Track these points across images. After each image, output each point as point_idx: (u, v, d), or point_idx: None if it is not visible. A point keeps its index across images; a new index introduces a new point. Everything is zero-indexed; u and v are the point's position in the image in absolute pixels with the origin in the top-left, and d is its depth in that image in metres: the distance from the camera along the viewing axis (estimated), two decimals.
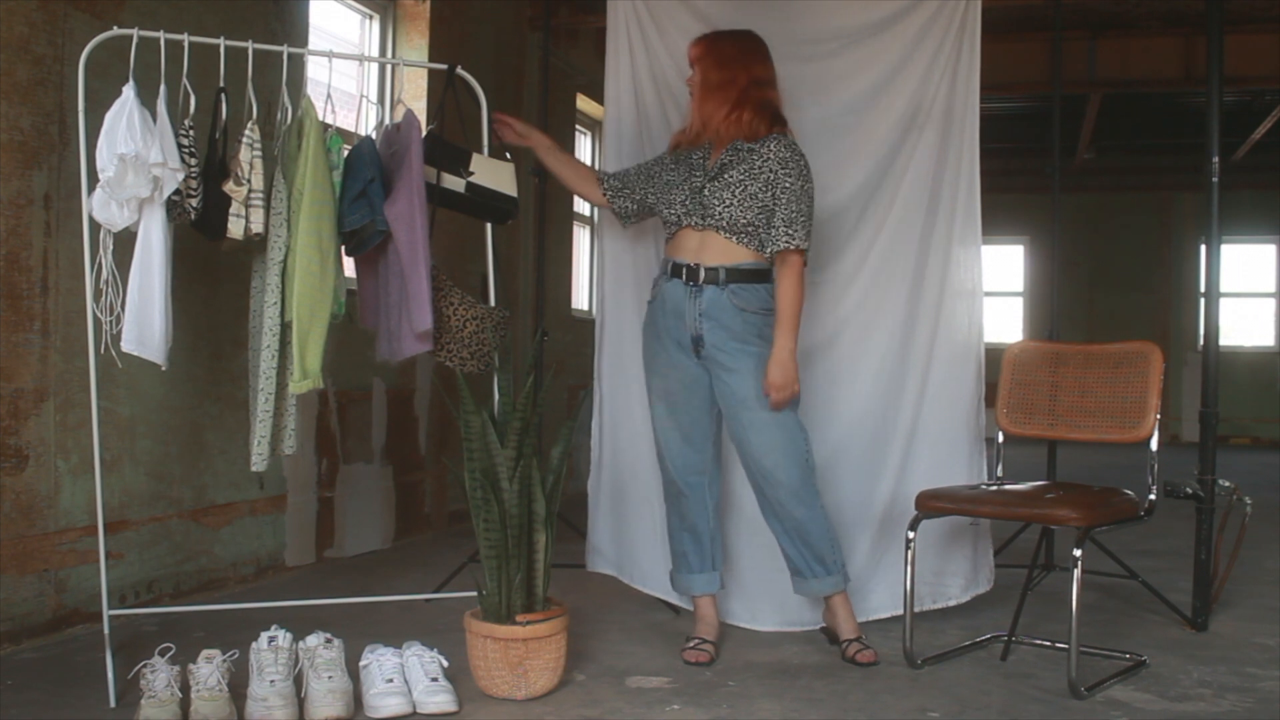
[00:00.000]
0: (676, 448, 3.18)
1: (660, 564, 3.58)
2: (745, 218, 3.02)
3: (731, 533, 3.48)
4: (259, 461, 2.89)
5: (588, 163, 7.19)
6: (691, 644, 3.09)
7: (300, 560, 4.15)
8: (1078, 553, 2.74)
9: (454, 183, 3.12)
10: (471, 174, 3.13)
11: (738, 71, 3.09)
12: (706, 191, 3.06)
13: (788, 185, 3.01)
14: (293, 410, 2.96)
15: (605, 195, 3.35)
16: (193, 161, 2.80)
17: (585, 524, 3.74)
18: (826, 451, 3.47)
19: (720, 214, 3.03)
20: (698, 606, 3.23)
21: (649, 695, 2.73)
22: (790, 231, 2.99)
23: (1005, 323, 12.12)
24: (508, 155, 3.29)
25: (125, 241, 2.76)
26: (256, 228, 2.83)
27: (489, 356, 3.23)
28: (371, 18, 4.90)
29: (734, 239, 3.04)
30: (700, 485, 3.18)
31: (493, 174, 3.16)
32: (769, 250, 3.03)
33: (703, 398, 3.13)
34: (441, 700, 2.55)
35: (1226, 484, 3.42)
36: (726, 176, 3.05)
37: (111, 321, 2.73)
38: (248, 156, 2.82)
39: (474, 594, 2.81)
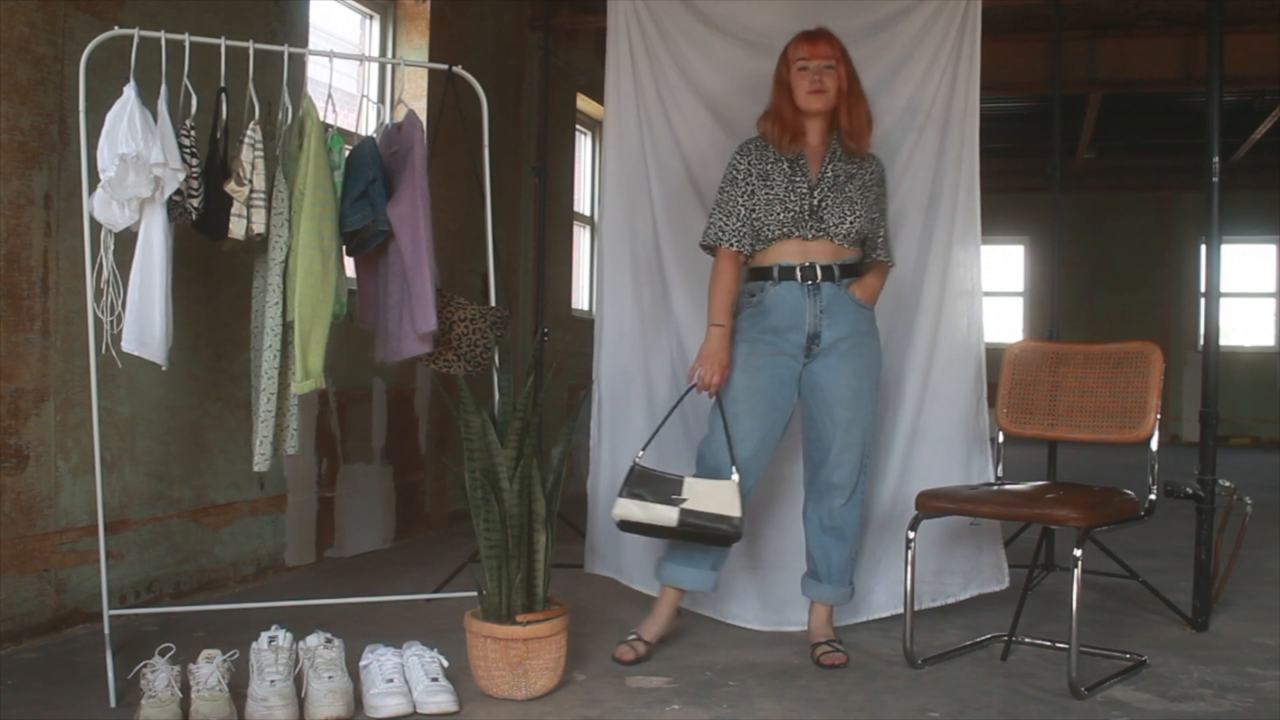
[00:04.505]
0: (753, 446, 3.05)
1: None
2: (864, 230, 3.10)
3: None
4: (261, 461, 2.90)
5: (588, 164, 7.22)
6: (631, 637, 3.06)
7: (300, 560, 4.15)
8: (1078, 553, 2.74)
9: (665, 514, 2.92)
10: (684, 500, 2.92)
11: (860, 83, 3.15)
12: (824, 205, 3.03)
13: (884, 206, 3.20)
14: (295, 410, 2.97)
15: (746, 257, 3.13)
16: (194, 161, 2.80)
17: (585, 524, 3.74)
18: None
19: (838, 227, 3.04)
20: (660, 601, 3.16)
21: (649, 695, 2.73)
22: (889, 249, 3.21)
23: (1005, 323, 12.12)
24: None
25: (126, 241, 2.77)
26: (258, 228, 2.84)
27: (481, 357, 3.23)
28: (371, 18, 4.90)
29: (841, 243, 3.06)
30: (752, 489, 3.13)
31: (710, 496, 2.93)
32: (871, 256, 3.16)
33: (791, 402, 3.11)
34: (441, 700, 2.55)
35: (1226, 484, 3.42)
36: (846, 191, 3.05)
37: (112, 322, 2.73)
38: (249, 156, 2.82)
39: (474, 594, 2.81)
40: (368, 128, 4.28)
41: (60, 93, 3.09)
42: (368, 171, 3.00)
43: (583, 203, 7.08)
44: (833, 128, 3.10)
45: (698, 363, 3.03)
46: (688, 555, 3.12)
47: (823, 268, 3.04)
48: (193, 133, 2.81)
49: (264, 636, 2.60)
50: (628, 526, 3.00)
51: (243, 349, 3.48)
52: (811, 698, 2.74)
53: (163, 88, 2.77)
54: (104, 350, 2.74)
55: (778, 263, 3.05)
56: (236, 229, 2.82)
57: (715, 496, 2.93)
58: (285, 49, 2.96)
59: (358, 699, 2.58)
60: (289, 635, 2.62)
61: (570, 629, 2.79)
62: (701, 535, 2.95)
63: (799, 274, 3.04)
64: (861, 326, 3.10)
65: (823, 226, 3.03)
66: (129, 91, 2.67)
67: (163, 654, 2.56)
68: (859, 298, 3.08)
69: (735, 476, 2.96)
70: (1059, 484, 3.20)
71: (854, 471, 3.12)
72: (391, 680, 2.58)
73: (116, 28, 2.80)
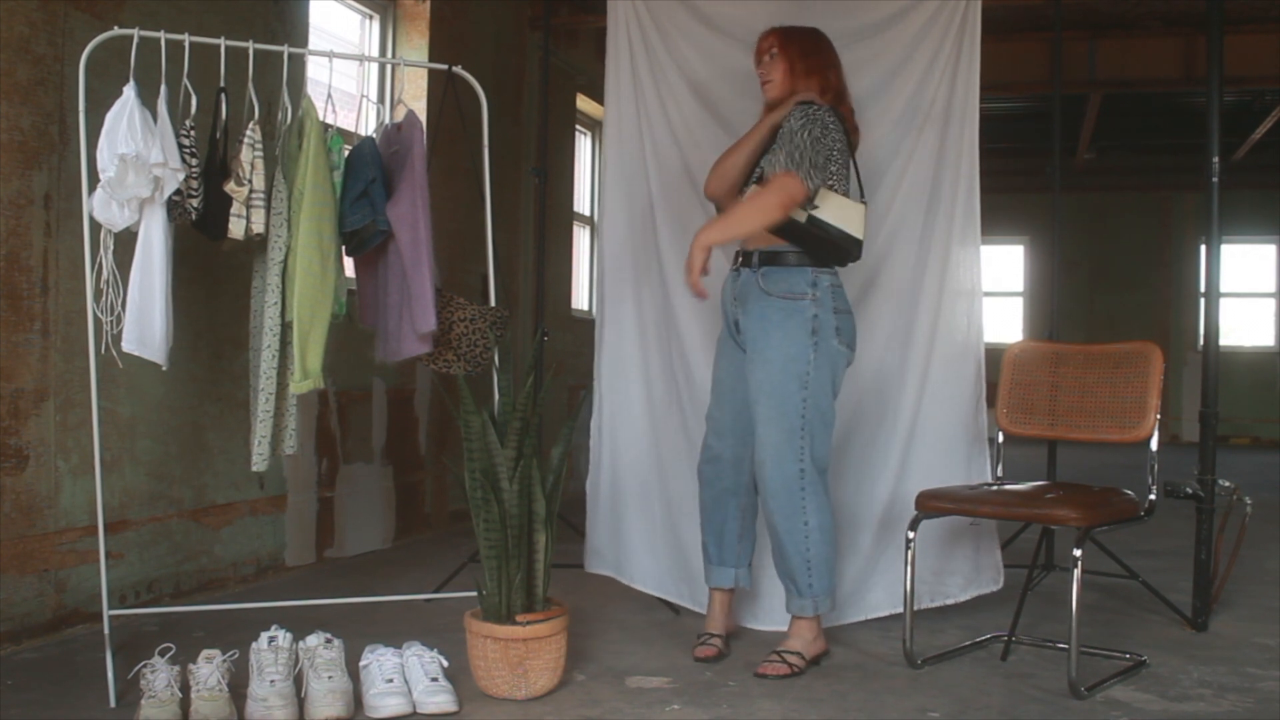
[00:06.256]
0: (711, 436, 3.17)
1: (658, 563, 3.58)
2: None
3: None
4: (259, 461, 2.90)
5: (588, 164, 7.22)
6: (700, 639, 3.10)
7: (300, 560, 4.15)
8: (1078, 553, 2.74)
9: (795, 212, 2.94)
10: (816, 207, 2.95)
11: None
12: (750, 187, 3.10)
13: (786, 130, 2.96)
14: (293, 410, 2.97)
15: None
16: (194, 161, 2.80)
17: (585, 524, 3.74)
18: None
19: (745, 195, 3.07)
20: (709, 600, 3.23)
21: (649, 695, 2.73)
22: (774, 163, 2.95)
23: (1005, 323, 12.12)
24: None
25: (125, 241, 2.77)
26: (257, 228, 2.84)
27: (481, 357, 3.23)
28: (371, 18, 4.90)
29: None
30: (715, 476, 3.16)
31: (840, 212, 2.97)
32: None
33: (744, 389, 3.07)
34: (441, 700, 2.55)
35: (1226, 484, 3.42)
36: (759, 169, 3.08)
37: (112, 322, 2.73)
38: (249, 156, 2.82)
39: (474, 594, 2.81)
40: (367, 128, 4.29)
41: (60, 93, 3.09)
42: (367, 172, 3.00)
43: (583, 203, 7.08)
44: None
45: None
46: (707, 553, 3.21)
47: (744, 253, 3.07)
48: (192, 133, 2.81)
49: (264, 636, 2.60)
50: None
51: (242, 349, 3.48)
52: (811, 698, 2.74)
53: (163, 88, 2.77)
54: (104, 350, 2.74)
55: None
56: (236, 229, 2.82)
57: (844, 213, 2.98)
58: (285, 49, 2.96)
59: (358, 699, 2.58)
60: (289, 635, 2.62)
61: (570, 629, 2.79)
62: (827, 245, 2.98)
63: (734, 259, 3.13)
64: (768, 319, 2.98)
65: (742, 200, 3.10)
66: (129, 91, 2.67)
67: (163, 654, 2.55)
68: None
69: (865, 201, 3.09)
70: (1059, 484, 3.20)
71: (773, 468, 2.96)
72: (391, 680, 2.58)
73: (116, 28, 2.80)
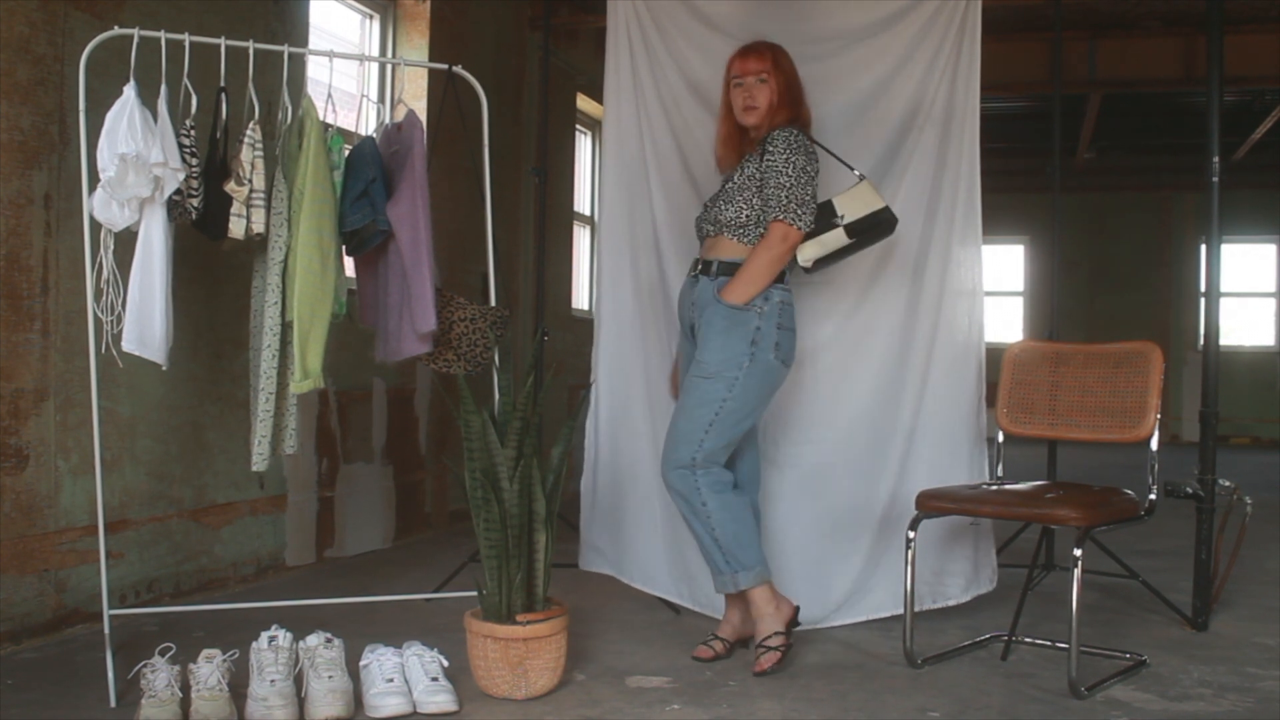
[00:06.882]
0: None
1: (659, 563, 3.58)
2: (741, 215, 3.06)
3: None
4: (260, 461, 2.90)
5: (588, 164, 7.22)
6: (709, 638, 3.10)
7: (300, 560, 4.15)
8: (1078, 552, 2.74)
9: (837, 238, 3.07)
10: (842, 217, 3.08)
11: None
12: (720, 200, 3.13)
13: (770, 163, 3.02)
14: (293, 410, 2.97)
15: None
16: (194, 161, 2.80)
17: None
18: (827, 451, 3.48)
19: (721, 216, 3.09)
20: (727, 605, 3.22)
21: (649, 695, 2.73)
22: (768, 208, 3.02)
23: (1005, 323, 12.12)
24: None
25: (126, 241, 2.77)
26: (258, 227, 2.84)
27: (481, 357, 3.23)
28: (371, 18, 4.90)
29: (736, 238, 3.08)
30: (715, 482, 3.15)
31: (857, 201, 3.10)
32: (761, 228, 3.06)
33: None
34: (441, 700, 2.55)
35: (1227, 484, 3.42)
36: (732, 183, 3.12)
37: (112, 321, 2.73)
38: (249, 156, 2.82)
39: (474, 594, 2.81)
40: (368, 128, 4.29)
41: (60, 93, 3.09)
42: (367, 171, 3.00)
43: (583, 203, 7.08)
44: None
45: None
46: (709, 561, 3.16)
47: (704, 262, 3.13)
48: (193, 133, 2.81)
49: (264, 636, 2.60)
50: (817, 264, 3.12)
51: (242, 349, 3.48)
52: (811, 698, 2.74)
53: (163, 88, 2.77)
54: (104, 350, 2.74)
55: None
56: (236, 229, 2.82)
57: (860, 199, 3.09)
58: (285, 49, 2.97)
59: (358, 699, 2.58)
60: (289, 635, 2.62)
61: (570, 629, 2.79)
62: (872, 233, 3.10)
63: (693, 267, 3.19)
64: (721, 322, 3.02)
65: (712, 218, 3.14)
66: (129, 91, 2.67)
67: (163, 654, 2.56)
68: (720, 292, 3.04)
69: (861, 177, 3.16)
70: (1059, 484, 3.20)
71: (673, 449, 3.03)
72: (391, 680, 2.58)
73: (116, 28, 2.81)
